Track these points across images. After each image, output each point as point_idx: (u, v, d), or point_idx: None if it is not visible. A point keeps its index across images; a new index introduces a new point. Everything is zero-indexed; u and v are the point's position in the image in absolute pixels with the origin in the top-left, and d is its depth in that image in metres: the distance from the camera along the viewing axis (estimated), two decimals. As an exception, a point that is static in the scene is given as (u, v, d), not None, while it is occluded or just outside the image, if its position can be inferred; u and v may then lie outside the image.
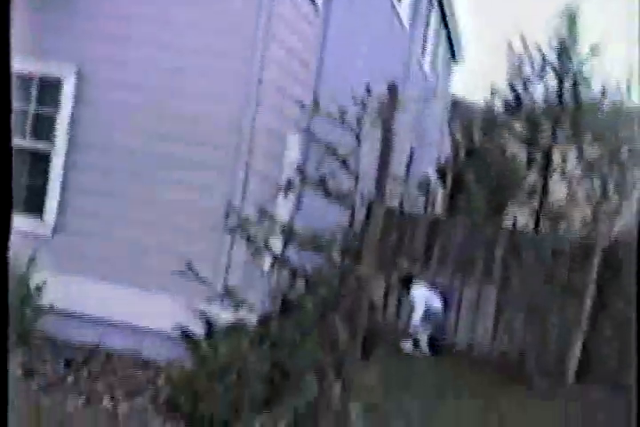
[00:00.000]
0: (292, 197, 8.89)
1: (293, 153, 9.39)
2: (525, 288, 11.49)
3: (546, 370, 11.00)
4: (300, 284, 5.90)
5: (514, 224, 13.91)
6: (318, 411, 4.33)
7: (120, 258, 8.34)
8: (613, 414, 9.87)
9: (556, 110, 17.75)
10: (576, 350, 11.04)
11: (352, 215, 5.86)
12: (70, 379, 7.27)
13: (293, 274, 5.62)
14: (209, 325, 7.35)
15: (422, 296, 11.62)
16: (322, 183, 5.07)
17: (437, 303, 11.75)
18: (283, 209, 8.60)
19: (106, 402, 6.91)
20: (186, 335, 7.28)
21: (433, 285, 11.92)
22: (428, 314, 11.59)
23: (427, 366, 10.84)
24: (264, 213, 5.25)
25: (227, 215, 6.57)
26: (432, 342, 11.68)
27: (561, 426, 9.06)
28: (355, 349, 4.49)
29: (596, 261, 11.12)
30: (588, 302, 11.11)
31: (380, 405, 7.23)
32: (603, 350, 11.17)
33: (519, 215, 16.31)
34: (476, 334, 12.03)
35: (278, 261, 5.80)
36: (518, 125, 18.64)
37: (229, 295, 5.68)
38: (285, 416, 4.35)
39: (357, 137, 5.55)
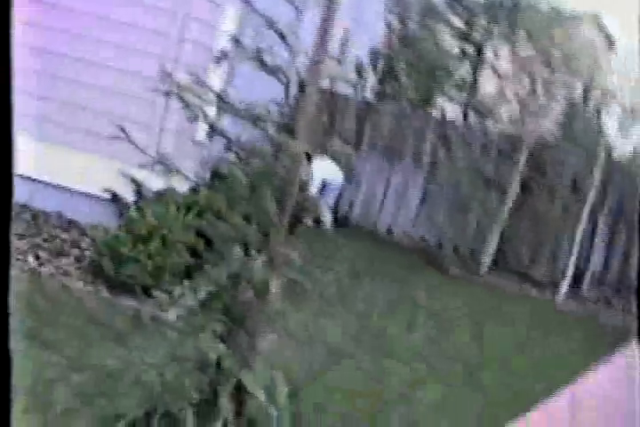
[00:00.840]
0: (225, 68, 8.74)
1: (230, 23, 9.16)
2: (451, 178, 11.61)
3: (462, 259, 11.28)
4: (233, 155, 5.82)
5: (442, 115, 13.95)
6: (239, 284, 4.34)
7: (53, 117, 8.07)
8: (521, 304, 10.27)
9: (495, 6, 17.63)
10: (493, 243, 11.30)
11: (286, 91, 5.77)
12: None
13: (228, 145, 5.52)
14: (139, 190, 7.31)
15: (320, 170, 11.38)
16: (258, 55, 4.93)
17: (338, 177, 11.67)
18: (215, 79, 8.44)
19: (30, 261, 6.87)
20: (115, 199, 7.24)
21: (336, 158, 11.73)
22: (327, 187, 11.52)
23: (345, 247, 10.95)
24: (198, 80, 5.12)
25: (161, 79, 6.43)
26: (333, 215, 11.71)
27: (471, 311, 9.36)
28: (282, 224, 4.48)
29: (522, 157, 11.25)
30: (510, 198, 11.29)
31: (300, 282, 7.31)
32: (518, 246, 11.46)
33: (448, 107, 16.35)
34: (398, 219, 12.18)
35: (213, 130, 5.69)
36: (455, 19, 18.47)
37: (161, 162, 5.59)
38: (205, 286, 4.34)
39: (298, 10, 5.38)
